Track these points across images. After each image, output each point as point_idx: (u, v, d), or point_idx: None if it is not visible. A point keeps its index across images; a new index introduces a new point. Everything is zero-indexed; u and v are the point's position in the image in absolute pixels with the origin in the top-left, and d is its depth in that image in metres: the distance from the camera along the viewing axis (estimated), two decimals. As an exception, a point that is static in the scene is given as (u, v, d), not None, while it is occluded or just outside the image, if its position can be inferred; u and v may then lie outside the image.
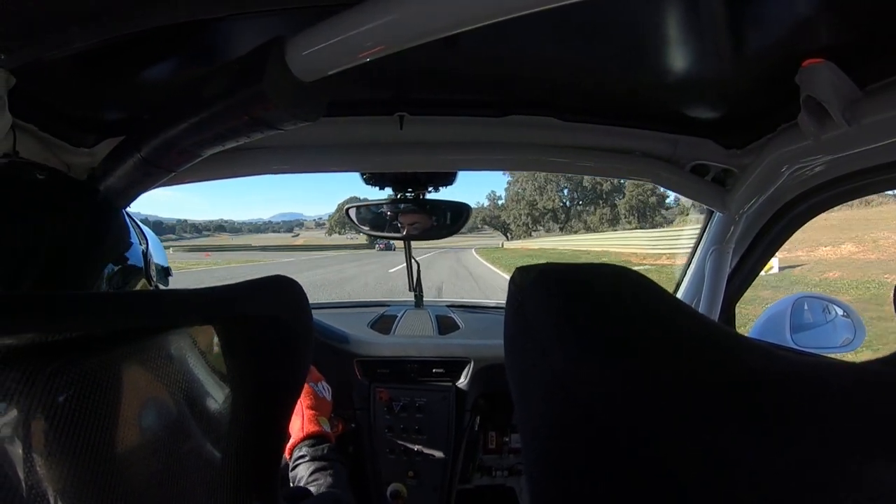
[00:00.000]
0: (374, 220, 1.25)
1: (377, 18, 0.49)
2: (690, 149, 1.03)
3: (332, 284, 13.15)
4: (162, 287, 1.09)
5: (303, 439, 0.89)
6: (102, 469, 0.28)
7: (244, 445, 0.36)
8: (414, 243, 1.47)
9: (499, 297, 2.69)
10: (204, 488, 0.34)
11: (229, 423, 0.35)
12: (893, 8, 0.56)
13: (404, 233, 1.21)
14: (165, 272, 1.15)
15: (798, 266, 11.22)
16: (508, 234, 60.83)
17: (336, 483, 0.81)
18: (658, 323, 0.26)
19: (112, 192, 0.83)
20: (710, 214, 1.18)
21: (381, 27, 0.50)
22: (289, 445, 0.89)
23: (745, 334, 0.68)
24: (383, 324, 1.57)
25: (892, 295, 0.82)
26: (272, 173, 1.05)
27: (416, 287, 1.66)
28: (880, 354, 0.22)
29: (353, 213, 1.28)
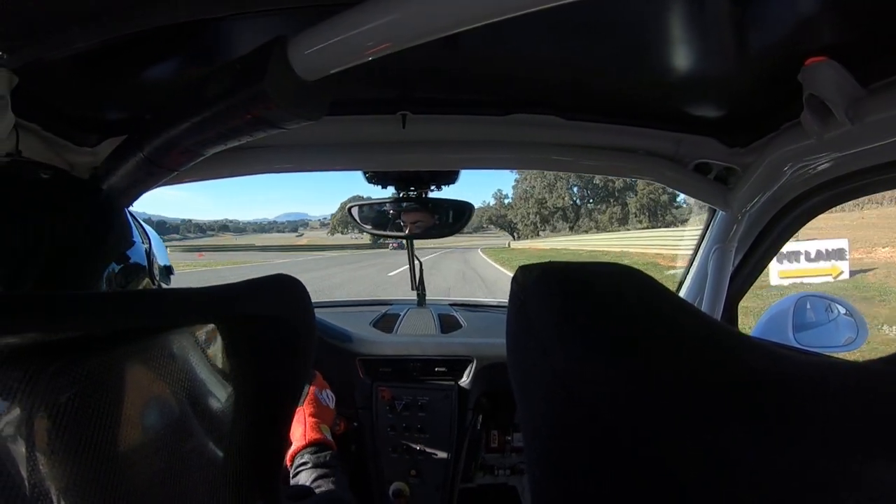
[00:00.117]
0: (377, 219, 1.25)
1: (379, 17, 0.49)
2: (693, 147, 1.03)
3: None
4: (164, 286, 1.09)
5: (305, 446, 0.90)
6: (105, 468, 0.28)
7: (246, 444, 0.36)
8: (417, 243, 1.47)
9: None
10: (206, 487, 0.34)
11: (231, 421, 0.35)
12: None
13: (407, 231, 1.21)
14: (167, 271, 1.15)
15: (871, 270, 9.52)
16: (515, 234, 59.72)
17: (338, 489, 0.81)
18: (662, 322, 0.26)
19: (115, 192, 0.84)
20: (712, 213, 1.18)
21: (383, 26, 0.50)
22: (290, 452, 0.89)
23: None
24: (386, 322, 1.57)
25: None
26: (274, 172, 1.05)
27: (419, 286, 1.65)
28: None
29: (355, 211, 1.28)
